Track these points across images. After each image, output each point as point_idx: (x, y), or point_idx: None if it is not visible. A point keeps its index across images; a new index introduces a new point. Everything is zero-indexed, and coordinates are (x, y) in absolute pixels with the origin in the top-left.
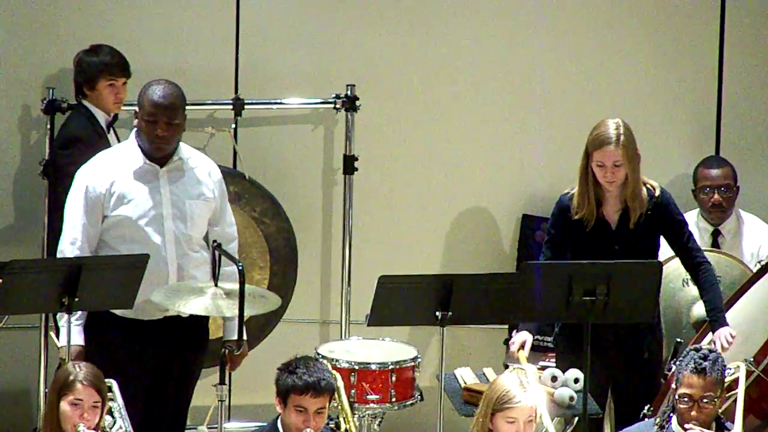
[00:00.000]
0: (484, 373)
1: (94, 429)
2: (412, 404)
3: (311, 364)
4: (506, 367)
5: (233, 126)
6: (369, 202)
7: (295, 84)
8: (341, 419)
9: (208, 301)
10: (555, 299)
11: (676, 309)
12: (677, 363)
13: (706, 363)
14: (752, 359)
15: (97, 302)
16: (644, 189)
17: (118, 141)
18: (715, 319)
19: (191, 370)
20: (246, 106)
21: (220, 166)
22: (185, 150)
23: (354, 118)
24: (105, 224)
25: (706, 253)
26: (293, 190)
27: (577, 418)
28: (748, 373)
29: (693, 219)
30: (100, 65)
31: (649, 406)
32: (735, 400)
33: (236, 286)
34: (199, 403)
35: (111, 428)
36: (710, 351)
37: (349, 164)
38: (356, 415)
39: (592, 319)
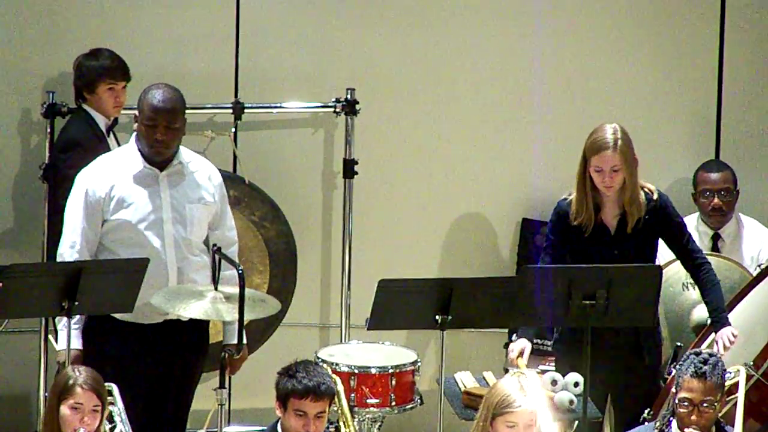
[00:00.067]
0: (484, 377)
1: None
2: (412, 408)
3: (311, 368)
4: (506, 371)
5: (233, 130)
6: (369, 206)
7: (295, 88)
8: (341, 423)
9: (207, 304)
10: (555, 303)
11: (676, 313)
12: (677, 367)
13: (706, 367)
14: (752, 363)
15: (97, 306)
16: (642, 193)
17: (118, 145)
18: (717, 319)
19: (191, 374)
20: (246, 110)
21: (219, 170)
22: (185, 154)
23: (354, 122)
24: (105, 228)
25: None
26: (293, 194)
27: (577, 422)
28: (748, 377)
29: (693, 223)
30: (100, 69)
31: (649, 410)
32: (735, 404)
33: (236, 290)
34: (199, 407)
35: None
36: (710, 355)
37: (349, 168)
38: (356, 419)
39: (592, 323)
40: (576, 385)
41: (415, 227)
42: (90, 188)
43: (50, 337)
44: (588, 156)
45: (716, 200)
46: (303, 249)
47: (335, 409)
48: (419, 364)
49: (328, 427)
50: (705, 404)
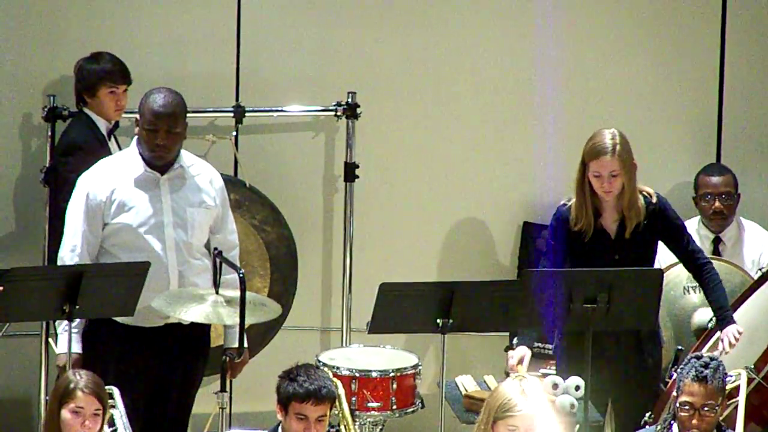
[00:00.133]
0: (485, 381)
1: None
2: (413, 412)
3: (312, 372)
4: (507, 374)
5: (234, 133)
6: (370, 210)
7: (295, 91)
8: (342, 427)
9: (208, 308)
10: (556, 307)
11: (677, 316)
12: (678, 370)
13: (707, 371)
14: (753, 366)
15: (98, 310)
16: (641, 197)
17: (119, 148)
18: (722, 317)
19: (192, 377)
20: (247, 114)
21: (220, 174)
22: (187, 157)
23: (355, 126)
24: (105, 232)
25: None
26: (294, 198)
27: (578, 426)
28: (749, 381)
29: (694, 226)
30: (101, 73)
31: (650, 413)
32: (736, 408)
33: (237, 294)
34: (200, 410)
35: None
36: (711, 359)
37: (350, 171)
38: (357, 423)
39: (593, 326)
40: (577, 388)
41: (416, 231)
42: (91, 192)
43: (50, 340)
44: (587, 161)
45: (717, 204)
46: (304, 252)
47: (336, 412)
48: (420, 367)
49: (329, 431)
50: (706, 408)
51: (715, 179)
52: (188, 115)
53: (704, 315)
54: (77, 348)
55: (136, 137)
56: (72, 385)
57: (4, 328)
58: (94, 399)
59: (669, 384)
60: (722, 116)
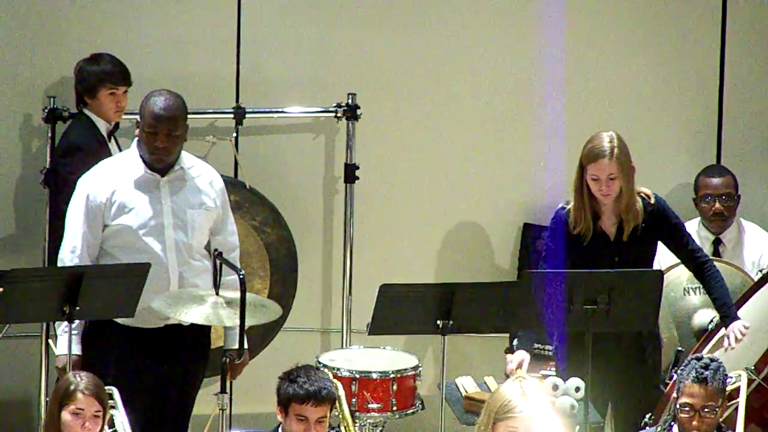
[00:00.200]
0: (485, 382)
1: None
2: (413, 413)
3: (312, 373)
4: (507, 376)
5: (234, 135)
6: (370, 211)
7: (296, 93)
8: (342, 428)
9: (208, 309)
10: (556, 308)
11: (677, 318)
12: (678, 372)
13: (707, 372)
14: (753, 368)
15: (98, 311)
16: (639, 199)
17: (119, 150)
18: (726, 314)
19: (192, 379)
20: (247, 115)
21: (221, 175)
22: (187, 159)
23: (355, 127)
24: (105, 233)
25: None
26: (294, 199)
27: (578, 427)
28: (750, 382)
29: (694, 228)
30: (101, 74)
31: (650, 414)
32: (736, 409)
33: (237, 295)
34: (200, 411)
35: None
36: (711, 360)
37: (350, 173)
38: (357, 424)
39: (593, 328)
40: (577, 390)
41: (417, 232)
42: (91, 193)
43: (50, 341)
44: (585, 164)
45: (717, 205)
46: (304, 254)
47: (336, 414)
48: (420, 369)
49: None
50: (706, 409)
51: (715, 181)
52: (188, 116)
53: (705, 316)
54: (77, 349)
55: (136, 139)
56: (72, 387)
57: (4, 329)
58: (94, 401)
59: (669, 385)
60: (722, 117)
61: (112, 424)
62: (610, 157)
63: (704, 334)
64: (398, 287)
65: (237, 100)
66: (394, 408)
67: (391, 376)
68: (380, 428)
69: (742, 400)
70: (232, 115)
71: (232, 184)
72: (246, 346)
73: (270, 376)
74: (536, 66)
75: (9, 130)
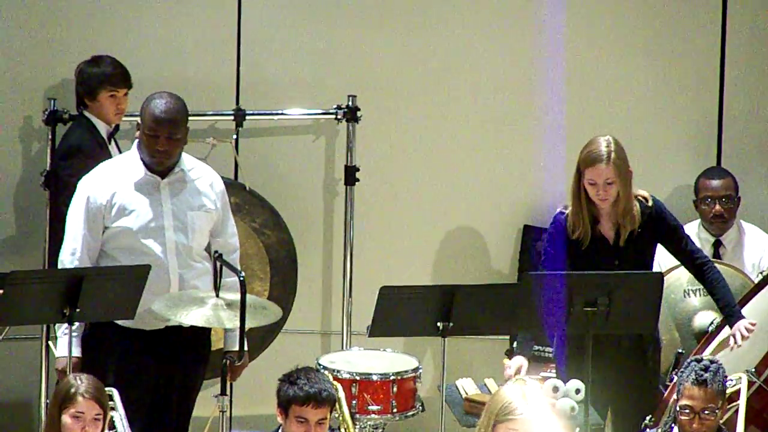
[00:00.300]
0: (485, 384)
1: None
2: (413, 415)
3: (312, 375)
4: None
5: (234, 137)
6: (370, 213)
7: (296, 95)
8: (343, 430)
9: (209, 311)
10: (556, 310)
11: (678, 320)
12: (678, 374)
13: (707, 374)
14: (754, 370)
15: (99, 313)
16: (637, 203)
17: (119, 152)
18: (730, 313)
19: (193, 381)
20: (247, 117)
21: (221, 177)
22: (187, 161)
23: (355, 129)
24: (106, 235)
25: None
26: (294, 201)
27: (578, 429)
28: (750, 384)
29: (694, 230)
30: (102, 76)
31: (650, 416)
32: (736, 411)
33: (237, 297)
34: (200, 413)
35: None
36: (711, 362)
37: (351, 175)
38: (358, 426)
39: (593, 330)
40: (577, 392)
41: (417, 234)
42: (91, 195)
43: (50, 344)
44: (582, 169)
45: (717, 207)
46: (304, 256)
47: (336, 416)
48: (420, 371)
49: None
50: (706, 411)
51: (715, 182)
52: (189, 118)
53: (705, 318)
54: (77, 351)
55: (136, 140)
56: (72, 390)
57: (4, 331)
58: (94, 404)
59: (669, 387)
60: (723, 119)
61: (112, 426)
62: (607, 161)
63: (704, 336)
64: (398, 289)
65: (237, 102)
66: (395, 410)
67: (392, 378)
68: (380, 430)
69: (742, 403)
70: (232, 117)
71: (232, 186)
72: (246, 348)
73: (270, 378)
74: (536, 68)
75: (9, 132)
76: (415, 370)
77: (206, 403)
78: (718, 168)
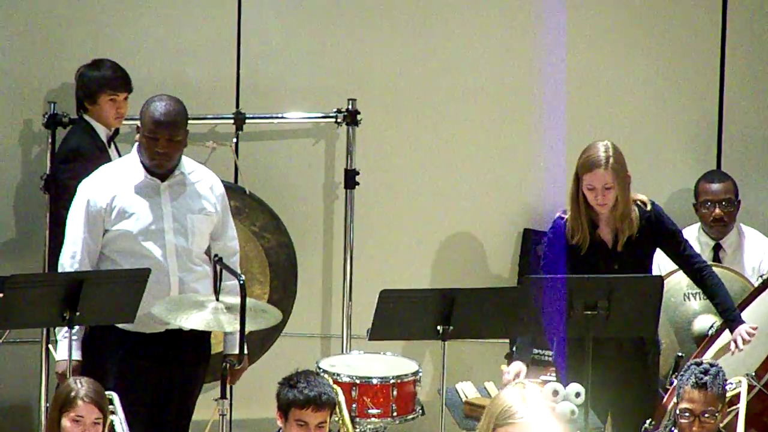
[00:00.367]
0: (485, 388)
1: None
2: (413, 418)
3: (312, 378)
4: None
5: (234, 140)
6: (370, 217)
7: (296, 98)
8: None
9: (209, 315)
10: (556, 313)
11: (678, 323)
12: (678, 377)
13: (707, 377)
14: (754, 374)
15: (99, 317)
16: (635, 207)
17: (119, 155)
18: (731, 318)
19: (193, 384)
20: (247, 121)
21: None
22: (187, 164)
23: (355, 132)
24: (106, 238)
25: None
26: (294, 205)
27: None
28: (750, 388)
29: (694, 233)
30: (102, 80)
31: (650, 420)
32: (736, 415)
33: (237, 301)
34: (200, 417)
35: None
36: (711, 365)
37: (351, 178)
38: (357, 430)
39: (593, 333)
40: (577, 395)
41: (417, 237)
42: (91, 198)
43: (50, 347)
44: (580, 174)
45: (717, 211)
46: (304, 259)
47: (336, 419)
48: (420, 374)
49: None
50: (706, 415)
51: (715, 186)
52: (189, 121)
53: (705, 322)
54: (77, 355)
55: (136, 144)
56: (72, 394)
57: (4, 335)
58: (94, 407)
59: (669, 391)
60: (722, 123)
61: (112, 430)
62: (606, 166)
63: (704, 340)
64: (398, 293)
65: (237, 106)
66: (395, 413)
67: (392, 381)
68: None
69: (742, 406)
70: (232, 121)
71: (232, 189)
72: (246, 351)
73: (270, 381)
74: (536, 72)
75: (9, 136)
76: (415, 373)
77: (206, 407)
78: (718, 171)
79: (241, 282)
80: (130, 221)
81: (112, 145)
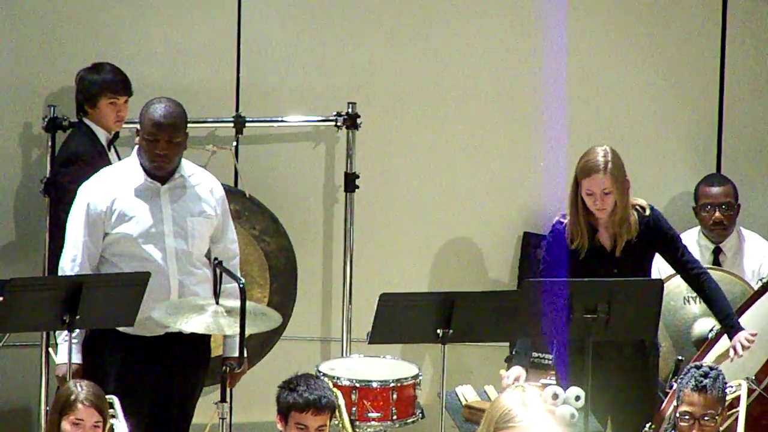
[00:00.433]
0: (485, 391)
1: None
2: (413, 422)
3: (312, 382)
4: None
5: (234, 144)
6: (370, 220)
7: (296, 102)
8: None
9: (209, 318)
10: (556, 317)
11: (677, 327)
12: (678, 380)
13: (707, 380)
14: (754, 377)
15: (98, 320)
16: (634, 212)
17: (119, 159)
18: (730, 325)
19: (192, 387)
20: (247, 124)
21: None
22: (187, 167)
23: (355, 136)
24: (106, 241)
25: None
26: (294, 208)
27: None
28: (750, 391)
29: (694, 237)
30: (102, 83)
31: (650, 423)
32: (736, 418)
33: (237, 304)
34: (199, 420)
35: None
36: (711, 368)
37: (350, 182)
38: None
39: (593, 336)
40: (577, 398)
41: (417, 241)
42: (91, 202)
43: (51, 350)
44: (579, 179)
45: (717, 214)
46: (304, 263)
47: (336, 423)
48: (420, 377)
49: None
50: (706, 418)
51: (715, 189)
52: (189, 125)
53: (705, 325)
54: (77, 358)
55: (136, 147)
56: (72, 397)
57: (4, 338)
58: (94, 411)
59: (669, 395)
60: (722, 126)
61: None
62: (604, 171)
63: (704, 343)
64: (398, 296)
65: (237, 109)
66: (394, 417)
67: (391, 384)
68: None
69: (742, 409)
70: (232, 124)
71: (232, 192)
72: (246, 354)
73: (270, 384)
74: (536, 76)
75: (9, 139)
76: (415, 377)
77: (206, 410)
78: (718, 175)
79: (241, 285)
80: (130, 224)
81: (112, 149)
